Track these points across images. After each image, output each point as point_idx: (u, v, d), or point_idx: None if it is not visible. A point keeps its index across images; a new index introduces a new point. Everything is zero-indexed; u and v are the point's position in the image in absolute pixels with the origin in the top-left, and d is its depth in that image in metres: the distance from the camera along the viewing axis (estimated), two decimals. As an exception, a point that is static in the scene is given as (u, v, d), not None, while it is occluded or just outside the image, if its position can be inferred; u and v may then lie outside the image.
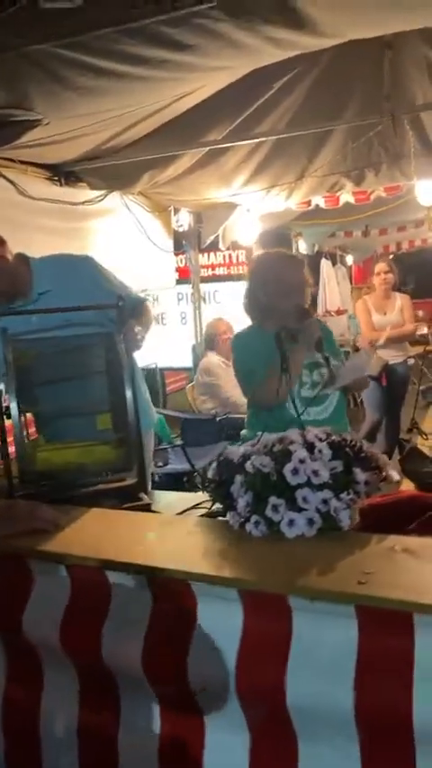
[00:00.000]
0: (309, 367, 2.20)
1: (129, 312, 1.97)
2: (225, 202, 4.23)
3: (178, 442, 4.16)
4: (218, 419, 4.45)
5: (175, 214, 4.63)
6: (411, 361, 4.91)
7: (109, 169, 3.30)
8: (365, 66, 2.98)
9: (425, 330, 10.76)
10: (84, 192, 3.48)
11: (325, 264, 9.35)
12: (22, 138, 2.25)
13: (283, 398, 2.05)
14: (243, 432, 2.34)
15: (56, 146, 2.71)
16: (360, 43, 2.46)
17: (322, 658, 1.08)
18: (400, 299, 4.69)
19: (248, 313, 2.35)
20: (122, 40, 1.52)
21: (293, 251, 6.27)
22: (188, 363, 5.53)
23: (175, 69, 1.76)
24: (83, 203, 3.46)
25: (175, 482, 3.82)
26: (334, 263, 9.82)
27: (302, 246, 7.34)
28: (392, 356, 4.51)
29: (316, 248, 8.26)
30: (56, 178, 3.30)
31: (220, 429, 4.39)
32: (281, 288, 2.20)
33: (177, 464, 3.99)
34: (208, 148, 3.33)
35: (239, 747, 1.17)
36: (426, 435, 3.33)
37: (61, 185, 3.33)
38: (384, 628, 1.04)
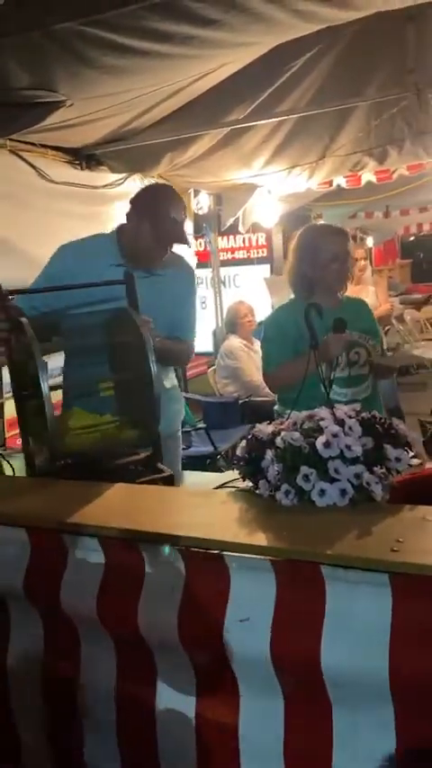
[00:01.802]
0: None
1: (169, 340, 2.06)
2: (245, 184, 4.21)
3: (201, 425, 4.19)
4: (240, 402, 4.47)
5: (195, 197, 4.62)
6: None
7: (129, 152, 3.29)
8: (388, 40, 2.93)
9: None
10: (104, 176, 3.49)
11: (345, 247, 9.25)
12: (46, 120, 2.25)
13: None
14: (276, 407, 2.35)
15: (76, 128, 2.72)
16: (383, 17, 2.42)
17: (357, 627, 1.09)
18: (372, 284, 4.68)
19: (293, 288, 2.35)
20: (147, 17, 1.51)
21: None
22: (209, 348, 5.54)
23: (200, 46, 1.75)
24: (104, 187, 3.47)
25: (198, 464, 3.85)
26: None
27: (322, 228, 7.27)
28: None
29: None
30: (76, 162, 3.31)
31: (242, 412, 4.41)
32: (324, 258, 2.19)
33: (201, 446, 4.02)
34: (228, 128, 3.30)
35: (274, 715, 1.18)
36: (450, 418, 3.30)
37: (82, 169, 3.34)
38: (418, 595, 1.04)
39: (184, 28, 1.61)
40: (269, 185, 4.35)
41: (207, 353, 5.62)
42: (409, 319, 9.19)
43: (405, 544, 1.09)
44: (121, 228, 2.17)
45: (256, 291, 5.96)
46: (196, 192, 4.62)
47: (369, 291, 4.51)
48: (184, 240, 2.13)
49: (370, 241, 10.32)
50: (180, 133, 3.17)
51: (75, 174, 3.32)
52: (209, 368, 5.05)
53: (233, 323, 4.74)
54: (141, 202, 2.08)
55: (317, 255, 2.20)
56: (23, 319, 1.66)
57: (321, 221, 7.36)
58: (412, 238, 12.12)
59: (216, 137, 3.37)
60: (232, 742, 1.23)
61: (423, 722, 1.07)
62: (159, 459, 1.75)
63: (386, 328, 7.71)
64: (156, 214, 2.01)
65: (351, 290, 4.61)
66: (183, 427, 4.33)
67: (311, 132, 3.43)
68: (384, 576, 1.06)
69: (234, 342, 4.66)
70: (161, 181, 4.00)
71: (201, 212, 4.82)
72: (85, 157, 3.33)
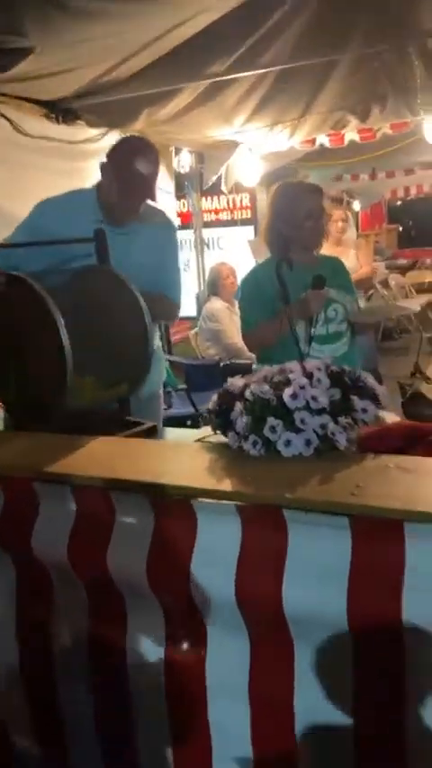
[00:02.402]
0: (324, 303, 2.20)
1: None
2: (227, 141, 4.14)
3: (182, 386, 4.20)
4: (221, 365, 4.48)
5: (176, 155, 4.54)
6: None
7: (106, 106, 3.22)
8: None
9: (433, 279, 10.64)
10: (83, 131, 3.41)
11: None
12: (15, 68, 2.19)
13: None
14: (254, 366, 2.37)
15: (51, 79, 2.64)
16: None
17: (317, 567, 1.13)
18: (354, 245, 4.62)
19: (269, 246, 2.34)
20: None
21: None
22: (192, 312, 5.51)
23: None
24: (82, 142, 3.40)
25: (179, 426, 3.87)
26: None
27: (307, 190, 7.17)
28: None
29: (322, 192, 8.08)
30: (53, 115, 3.22)
31: (223, 375, 4.42)
32: (299, 215, 2.18)
33: (181, 408, 4.05)
34: (208, 82, 3.23)
35: (240, 653, 1.23)
36: (430, 381, 3.36)
37: (59, 123, 3.26)
38: (376, 537, 1.08)
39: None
40: (251, 143, 4.29)
41: (190, 318, 5.59)
42: (393, 284, 9.22)
43: (365, 489, 1.12)
44: (99, 184, 2.14)
45: (240, 254, 5.91)
46: (178, 151, 4.54)
47: (350, 254, 4.49)
48: (150, 194, 2.05)
49: (357, 205, 10.24)
50: (157, 86, 3.09)
51: (52, 129, 3.25)
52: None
53: (215, 285, 4.70)
54: (110, 155, 2.04)
55: (292, 213, 2.19)
56: (20, 274, 1.61)
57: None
58: (399, 203, 12.05)
59: (195, 91, 3.30)
60: (200, 682, 1.27)
61: (380, 657, 1.12)
62: (127, 412, 1.76)
63: (370, 292, 7.73)
64: (120, 166, 1.96)
65: (331, 253, 4.63)
66: (164, 389, 4.37)
67: (292, 88, 3.36)
68: (344, 519, 1.09)
69: (216, 304, 4.64)
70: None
71: (182, 171, 4.74)
72: (61, 111, 3.25)
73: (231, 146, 4.30)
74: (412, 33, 2.86)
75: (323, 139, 4.39)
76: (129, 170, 1.96)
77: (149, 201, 2.11)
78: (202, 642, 1.27)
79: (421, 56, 2.98)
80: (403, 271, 10.76)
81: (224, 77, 3.15)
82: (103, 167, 2.05)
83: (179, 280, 2.31)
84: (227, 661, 1.26)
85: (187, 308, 5.63)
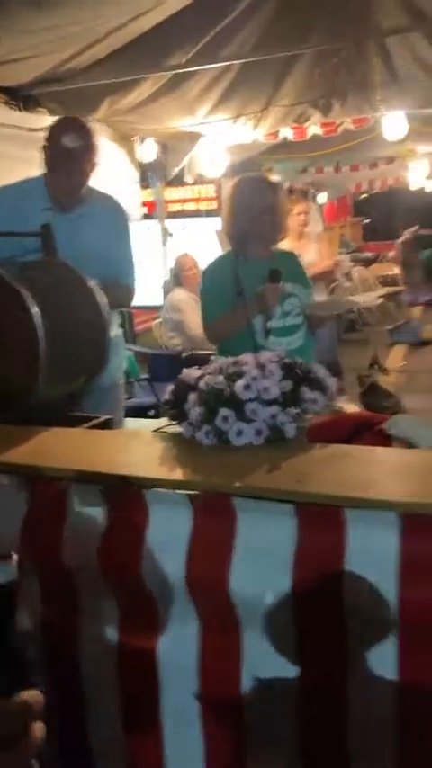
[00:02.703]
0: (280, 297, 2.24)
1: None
2: (190, 132, 4.14)
3: (144, 376, 4.22)
4: (183, 356, 4.50)
5: (141, 143, 4.51)
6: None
7: (67, 94, 3.19)
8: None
9: (395, 271, 10.86)
10: (44, 119, 3.35)
11: (295, 202, 9.22)
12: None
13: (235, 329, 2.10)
14: (212, 358, 2.40)
15: (10, 66, 2.61)
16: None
17: (264, 553, 1.17)
18: (317, 238, 4.63)
19: (228, 239, 2.36)
20: None
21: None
22: (159, 302, 5.50)
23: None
24: (43, 130, 3.35)
25: (141, 416, 3.89)
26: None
27: (273, 183, 7.22)
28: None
29: (287, 185, 8.15)
30: (14, 102, 3.18)
31: (186, 365, 4.44)
32: (256, 209, 2.21)
33: (143, 398, 4.06)
34: (170, 73, 3.23)
35: (190, 636, 1.27)
36: (387, 372, 3.45)
37: (20, 110, 3.22)
38: (319, 522, 1.12)
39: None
40: (214, 135, 4.29)
41: (157, 307, 5.58)
42: (356, 277, 9.36)
43: (310, 477, 1.16)
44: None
45: (207, 244, 5.92)
46: (143, 140, 4.51)
47: (312, 248, 4.52)
48: (78, 170, 2.04)
49: (322, 197, 10.33)
50: (118, 76, 3.08)
51: (12, 116, 3.20)
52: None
53: (178, 276, 4.72)
54: (46, 137, 2.05)
55: (250, 206, 2.22)
56: None
57: (272, 176, 7.32)
58: (365, 196, 12.20)
59: (157, 82, 3.29)
60: (152, 666, 1.31)
61: (322, 633, 1.17)
62: (77, 407, 1.77)
63: (332, 285, 7.84)
64: (49, 144, 1.98)
65: (293, 246, 4.64)
66: (127, 378, 4.38)
67: (255, 81, 3.38)
68: (290, 506, 1.13)
69: (179, 295, 4.65)
70: (104, 126, 3.89)
71: (146, 160, 4.71)
72: (22, 98, 3.20)
73: (194, 137, 4.30)
74: (371, 32, 2.91)
75: (287, 133, 4.42)
76: (56, 146, 1.98)
77: (90, 185, 2.11)
78: (155, 627, 1.30)
79: (380, 53, 3.04)
80: (367, 263, 10.93)
81: (186, 69, 3.15)
82: (42, 150, 2.05)
83: (132, 263, 2.30)
84: (179, 645, 1.29)
85: (153, 297, 5.66)
